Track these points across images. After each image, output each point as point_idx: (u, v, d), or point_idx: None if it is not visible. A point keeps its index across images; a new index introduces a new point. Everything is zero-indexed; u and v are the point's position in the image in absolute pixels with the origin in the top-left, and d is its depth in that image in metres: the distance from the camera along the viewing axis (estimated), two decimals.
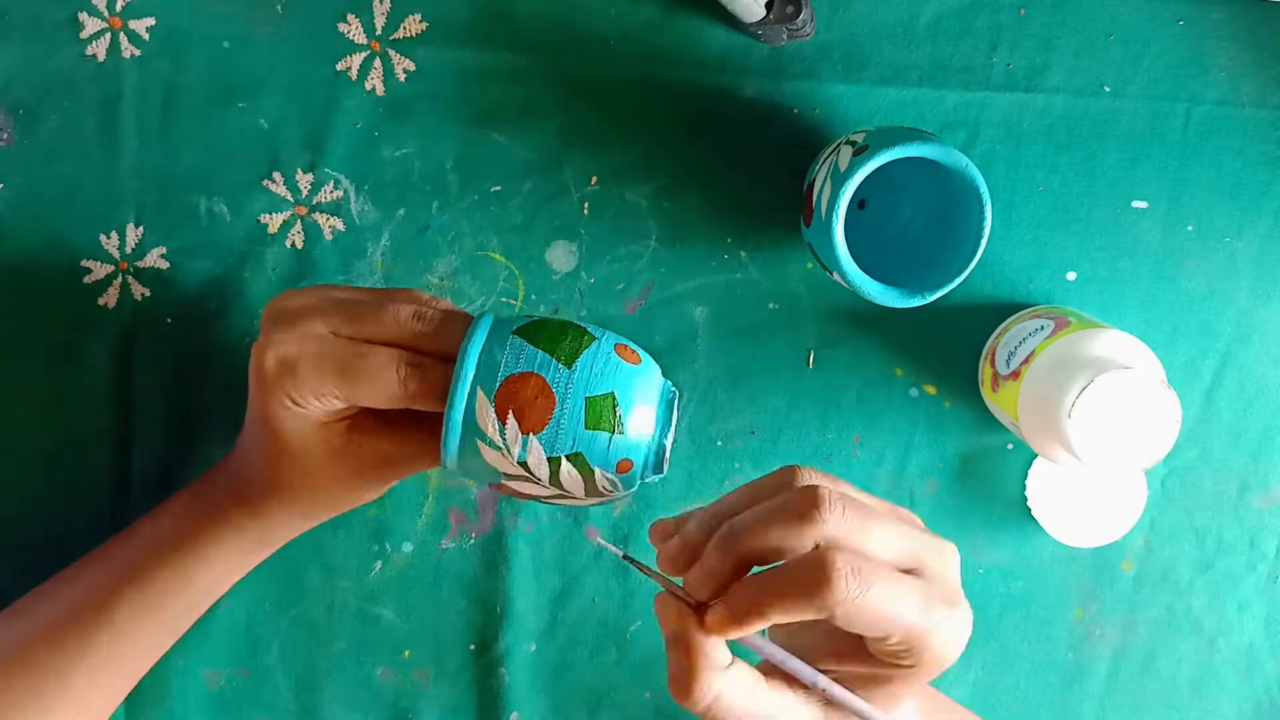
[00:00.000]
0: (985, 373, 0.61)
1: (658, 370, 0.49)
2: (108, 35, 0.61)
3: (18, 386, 0.62)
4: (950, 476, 0.64)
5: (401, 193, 0.62)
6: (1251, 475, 0.63)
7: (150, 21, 0.61)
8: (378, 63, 0.62)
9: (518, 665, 0.63)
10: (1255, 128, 0.62)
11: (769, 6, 0.59)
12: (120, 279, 0.62)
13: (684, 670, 0.40)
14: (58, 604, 0.55)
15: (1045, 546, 0.64)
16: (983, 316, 0.62)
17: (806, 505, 0.40)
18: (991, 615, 0.64)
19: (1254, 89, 0.62)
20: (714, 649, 0.40)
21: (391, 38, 0.62)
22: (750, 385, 0.63)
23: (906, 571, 0.40)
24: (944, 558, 0.42)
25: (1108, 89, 0.62)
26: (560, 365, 0.46)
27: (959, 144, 0.62)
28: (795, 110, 0.62)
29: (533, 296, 0.63)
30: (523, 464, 0.46)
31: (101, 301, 0.62)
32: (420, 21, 0.61)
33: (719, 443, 0.63)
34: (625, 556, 0.43)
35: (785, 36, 0.61)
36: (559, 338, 0.47)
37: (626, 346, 0.49)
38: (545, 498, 0.49)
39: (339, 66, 0.62)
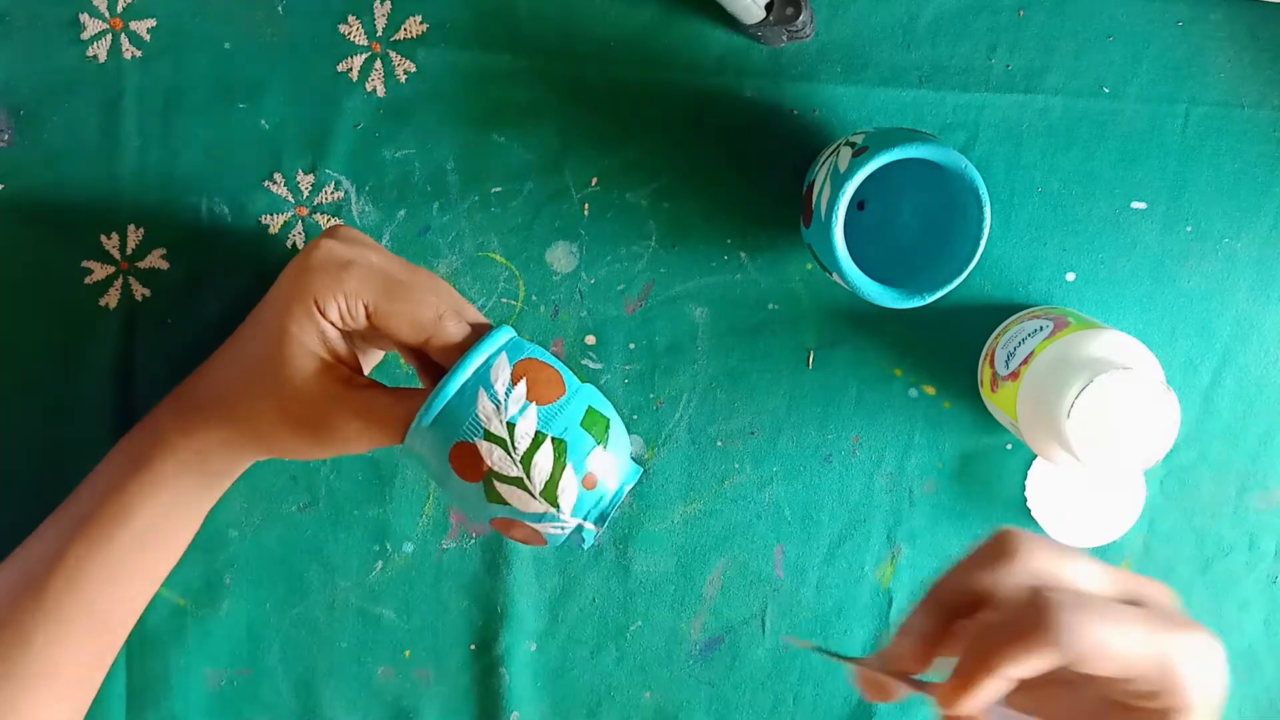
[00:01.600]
0: (984, 373, 0.61)
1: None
2: (109, 36, 0.61)
3: (18, 387, 0.62)
4: (949, 477, 0.64)
5: (402, 194, 0.62)
6: (1251, 475, 0.64)
7: (151, 22, 0.61)
8: (378, 64, 0.62)
9: (518, 665, 0.63)
10: (1254, 129, 0.62)
11: (769, 8, 0.59)
12: (121, 280, 0.62)
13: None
14: (13, 568, 0.54)
15: None
16: (982, 317, 0.62)
17: (1000, 545, 0.38)
18: None
19: (1253, 90, 0.62)
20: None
21: (392, 39, 0.62)
22: (750, 385, 0.63)
23: (1130, 602, 0.38)
24: (1159, 590, 0.40)
25: (1107, 90, 0.62)
26: (575, 378, 0.51)
27: (958, 145, 0.62)
28: (795, 111, 0.62)
29: (533, 297, 0.63)
30: (510, 426, 0.48)
31: (102, 302, 0.62)
32: (421, 23, 0.61)
33: (719, 443, 0.63)
34: (827, 652, 0.45)
35: (785, 38, 0.61)
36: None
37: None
38: (504, 485, 0.49)
39: (340, 68, 0.62)
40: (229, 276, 0.62)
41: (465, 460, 0.49)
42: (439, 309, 0.50)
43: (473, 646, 0.64)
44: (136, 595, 0.56)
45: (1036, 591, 0.37)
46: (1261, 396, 0.63)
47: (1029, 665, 0.36)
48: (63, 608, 0.53)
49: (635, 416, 0.63)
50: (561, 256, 0.63)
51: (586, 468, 0.49)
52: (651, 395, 0.63)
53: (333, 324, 0.51)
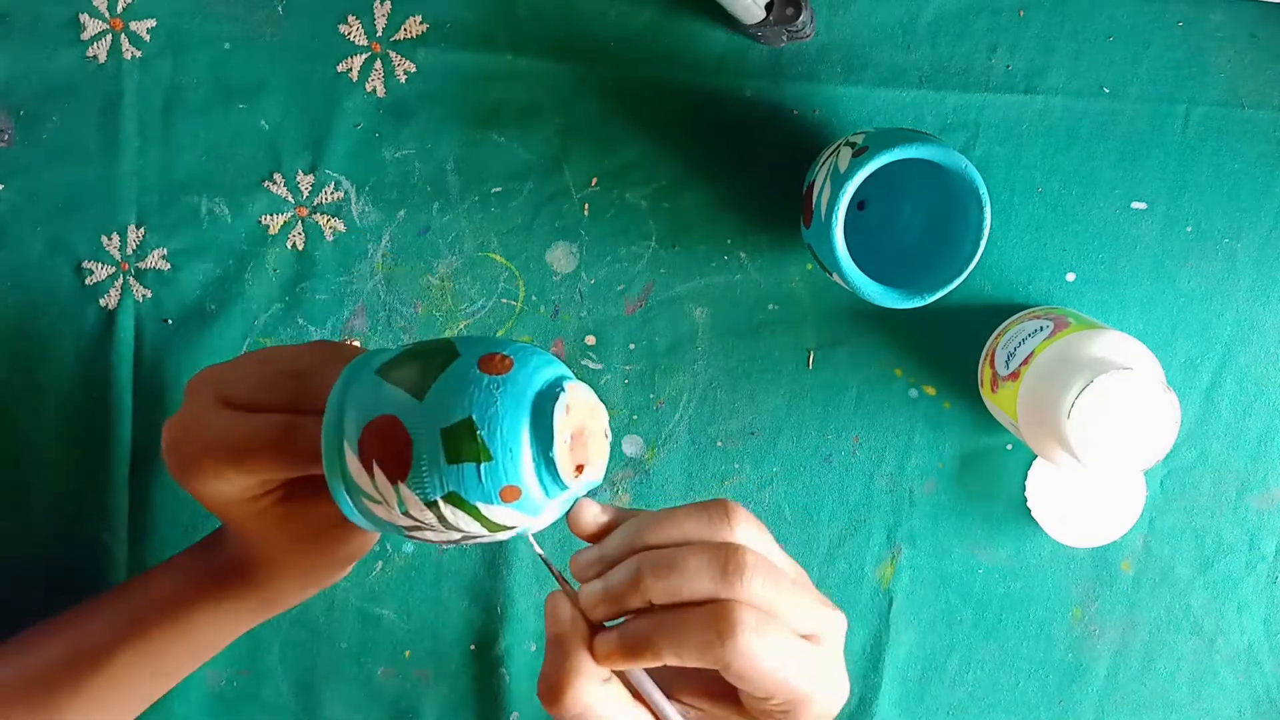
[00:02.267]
0: (985, 373, 0.61)
1: (544, 370, 0.42)
2: (109, 37, 0.61)
3: (19, 388, 0.62)
4: (949, 477, 0.64)
5: (402, 194, 0.62)
6: (1251, 476, 0.64)
7: (151, 23, 0.61)
8: (378, 64, 0.62)
9: (518, 665, 0.63)
10: (1254, 129, 0.62)
11: (769, 8, 0.59)
12: (121, 280, 0.62)
13: (559, 674, 0.39)
14: (59, 646, 0.55)
15: (1044, 547, 0.64)
16: (982, 317, 0.62)
17: (731, 566, 0.39)
18: (991, 615, 0.64)
19: (1253, 90, 0.62)
20: (590, 663, 0.40)
21: (392, 39, 0.62)
22: (750, 386, 0.63)
23: (804, 637, 0.40)
24: (837, 628, 0.42)
25: (1107, 90, 0.62)
26: (413, 399, 0.40)
27: (958, 145, 0.62)
28: (795, 111, 0.62)
29: (533, 297, 0.63)
30: (406, 514, 0.41)
31: (103, 303, 0.62)
32: (421, 23, 0.61)
33: (719, 443, 0.63)
34: (542, 557, 0.42)
35: (785, 38, 0.61)
36: (416, 366, 0.41)
37: (496, 355, 0.42)
38: (463, 541, 0.44)
39: (340, 68, 0.62)
40: (229, 277, 0.62)
41: (421, 539, 0.44)
42: (275, 437, 0.45)
43: (472, 647, 0.64)
44: (164, 691, 0.57)
45: (729, 606, 0.38)
46: (1262, 397, 0.63)
47: (692, 662, 0.38)
48: (104, 703, 0.54)
49: (635, 417, 0.63)
50: (561, 257, 0.63)
51: (492, 492, 0.41)
52: (651, 395, 0.63)
53: (226, 486, 0.47)
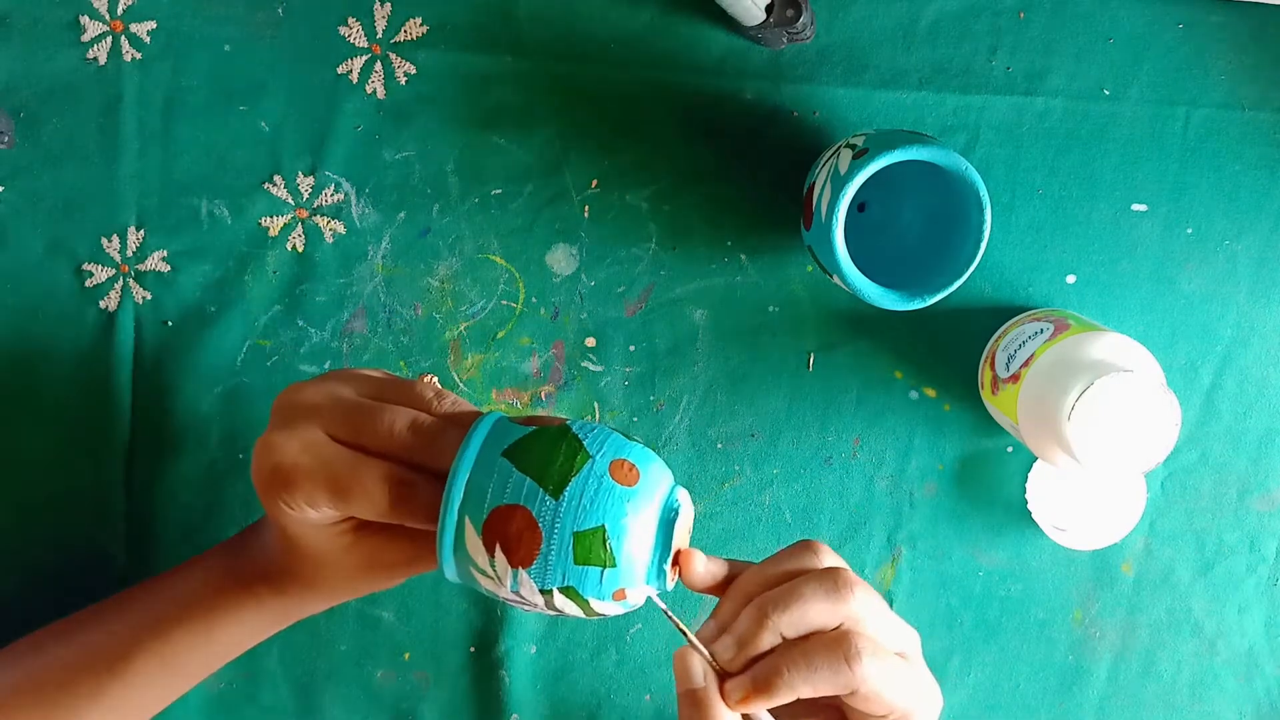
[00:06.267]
0: (985, 376, 0.61)
1: (662, 482, 0.46)
2: (109, 39, 0.61)
3: (18, 390, 0.62)
4: (950, 479, 0.64)
5: (402, 196, 0.62)
6: (1251, 478, 0.63)
7: (151, 25, 0.61)
8: (378, 66, 0.62)
9: (518, 667, 0.63)
10: (1255, 131, 0.62)
11: (769, 10, 0.59)
12: (121, 282, 0.62)
13: None
14: (74, 648, 0.55)
15: (1045, 549, 0.64)
16: (982, 319, 0.62)
17: (841, 584, 0.42)
18: (991, 617, 0.64)
19: (1253, 92, 0.62)
20: (727, 711, 0.42)
21: (392, 41, 0.62)
22: (750, 388, 0.63)
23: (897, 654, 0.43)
24: (918, 643, 0.45)
25: (1107, 92, 0.62)
26: (547, 496, 0.43)
27: (959, 147, 0.62)
28: (795, 113, 0.62)
29: (533, 299, 0.63)
30: (516, 593, 0.44)
31: (103, 304, 0.62)
32: (421, 25, 0.61)
33: (719, 445, 0.63)
34: (669, 615, 0.45)
35: (785, 40, 0.61)
36: (549, 460, 0.44)
37: (624, 462, 0.45)
38: (552, 614, 0.47)
39: (340, 70, 0.62)
40: (229, 279, 0.62)
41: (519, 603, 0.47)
42: (390, 487, 0.46)
43: (472, 649, 0.64)
44: (180, 694, 0.57)
45: (847, 633, 0.42)
46: (1262, 398, 0.63)
47: (821, 691, 0.41)
48: (122, 705, 0.54)
49: (635, 419, 0.63)
50: (562, 259, 0.63)
51: (606, 592, 0.44)
52: (651, 397, 0.63)
53: (314, 514, 0.48)
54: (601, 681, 0.64)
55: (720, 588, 0.46)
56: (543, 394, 0.63)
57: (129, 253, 0.62)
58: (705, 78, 0.62)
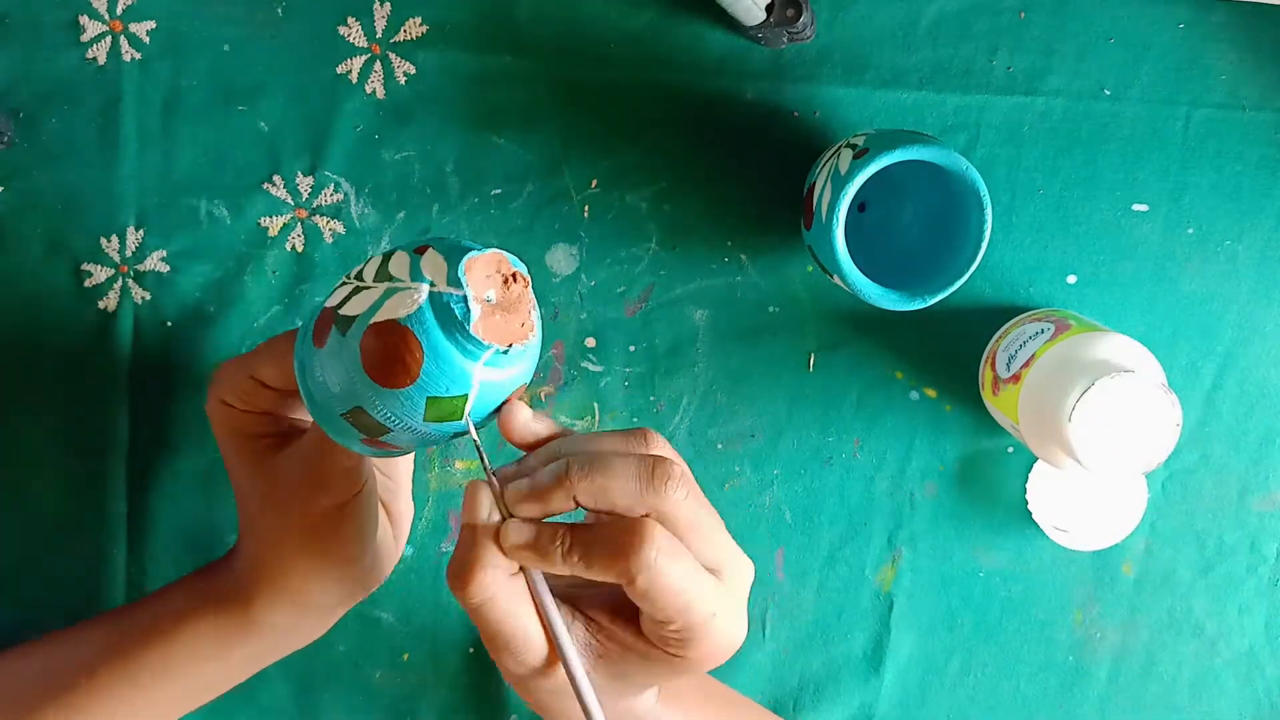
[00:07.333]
0: (986, 376, 0.61)
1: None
2: (108, 38, 0.61)
3: (18, 390, 0.62)
4: (950, 480, 0.63)
5: (402, 196, 0.62)
6: (1252, 478, 0.63)
7: (151, 25, 0.61)
8: (378, 66, 0.62)
9: None
10: (1256, 131, 0.62)
11: (769, 10, 0.59)
12: (120, 282, 0.62)
13: (471, 560, 0.40)
14: (38, 664, 0.55)
15: (1045, 549, 0.64)
16: (983, 320, 0.62)
17: (658, 475, 0.40)
18: (992, 618, 0.64)
19: (1255, 92, 0.62)
20: (498, 555, 0.40)
21: (392, 41, 0.62)
22: (750, 388, 0.63)
23: (709, 570, 0.41)
24: (743, 571, 0.43)
25: (1108, 92, 0.62)
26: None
27: (959, 147, 0.62)
28: (795, 113, 0.62)
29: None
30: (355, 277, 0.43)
31: (102, 305, 0.62)
32: (421, 25, 0.61)
33: (719, 446, 0.63)
34: (475, 442, 0.42)
35: (785, 40, 0.61)
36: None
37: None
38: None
39: (339, 69, 0.62)
40: (228, 279, 0.62)
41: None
42: (285, 342, 0.51)
43: (471, 650, 0.64)
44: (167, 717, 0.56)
45: (644, 522, 0.39)
46: (1263, 399, 0.63)
47: (598, 573, 0.39)
48: None
49: (635, 419, 0.63)
50: (561, 259, 0.63)
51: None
52: (652, 398, 0.63)
53: (245, 411, 0.52)
54: None
55: (539, 446, 0.43)
56: (542, 394, 0.63)
57: (128, 253, 0.62)
58: (705, 78, 0.62)
